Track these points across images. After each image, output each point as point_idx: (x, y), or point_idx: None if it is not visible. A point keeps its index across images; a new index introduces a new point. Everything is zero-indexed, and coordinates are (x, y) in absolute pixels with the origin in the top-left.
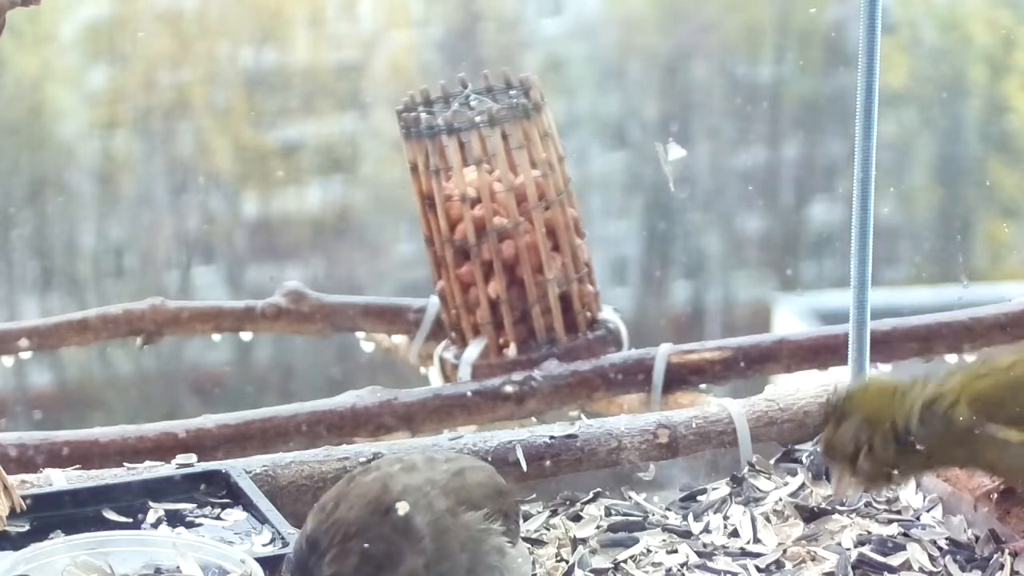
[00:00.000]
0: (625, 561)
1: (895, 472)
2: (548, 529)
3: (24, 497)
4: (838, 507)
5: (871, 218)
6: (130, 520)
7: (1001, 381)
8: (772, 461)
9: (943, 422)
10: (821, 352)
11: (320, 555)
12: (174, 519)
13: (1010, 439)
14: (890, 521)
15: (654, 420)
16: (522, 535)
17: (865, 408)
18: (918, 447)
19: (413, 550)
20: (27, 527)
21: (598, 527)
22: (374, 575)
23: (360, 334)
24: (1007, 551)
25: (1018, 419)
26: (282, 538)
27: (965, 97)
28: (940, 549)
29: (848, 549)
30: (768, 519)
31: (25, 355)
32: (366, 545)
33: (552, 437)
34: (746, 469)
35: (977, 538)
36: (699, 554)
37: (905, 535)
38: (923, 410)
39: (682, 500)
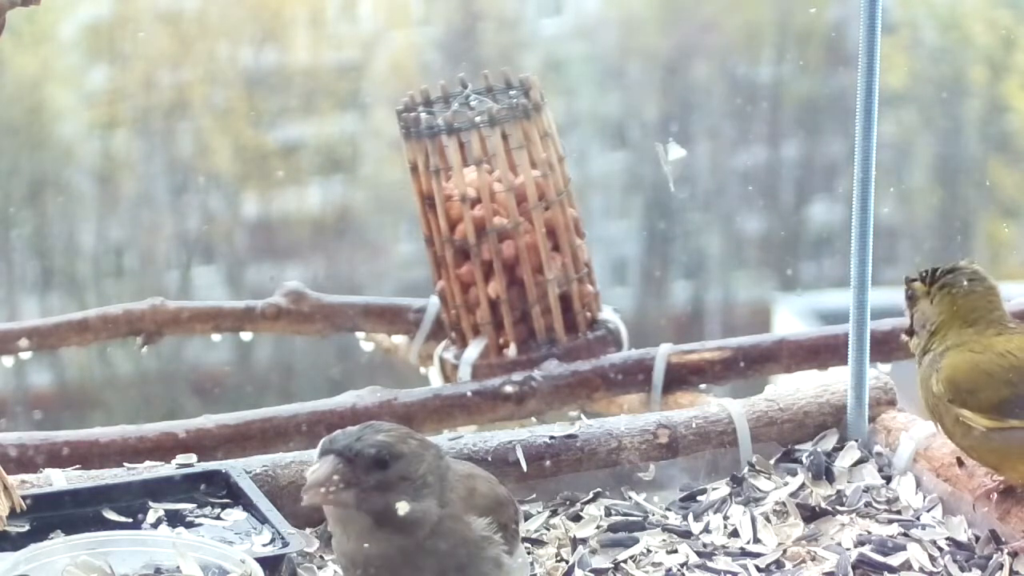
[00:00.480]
0: (625, 561)
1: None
2: (548, 529)
3: (24, 497)
4: (838, 507)
5: (871, 218)
6: (130, 520)
7: (985, 366)
8: (772, 461)
9: (931, 380)
10: (821, 352)
11: (374, 429)
12: (174, 519)
13: (976, 425)
14: (890, 521)
15: (654, 420)
16: (522, 535)
17: (956, 305)
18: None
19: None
20: (27, 527)
21: (598, 527)
22: (406, 468)
23: (360, 334)
24: (1007, 551)
25: (988, 408)
26: (282, 538)
27: (965, 97)
28: (940, 549)
29: (848, 549)
30: (768, 519)
31: (25, 355)
32: (414, 443)
33: (552, 437)
34: (746, 469)
35: (977, 538)
36: (699, 554)
37: (905, 535)
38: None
39: (682, 500)
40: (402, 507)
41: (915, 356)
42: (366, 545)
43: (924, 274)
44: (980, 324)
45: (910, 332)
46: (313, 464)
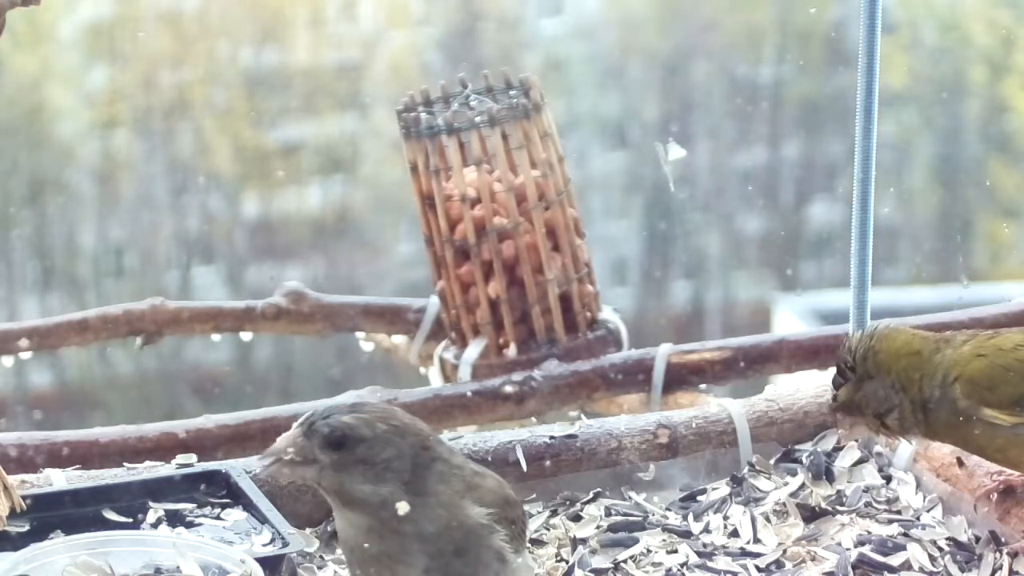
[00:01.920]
0: (625, 561)
1: (908, 430)
2: (548, 529)
3: (24, 497)
4: (838, 507)
5: (871, 218)
6: (130, 520)
7: (998, 363)
8: (772, 461)
9: (946, 399)
10: (821, 352)
11: (350, 409)
12: (174, 519)
13: (1000, 422)
14: (890, 521)
15: (654, 420)
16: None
17: (894, 368)
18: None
19: (417, 467)
20: (27, 527)
21: (598, 527)
22: (367, 452)
23: (360, 334)
24: (1007, 551)
25: (1009, 402)
26: (282, 538)
27: (965, 97)
28: (940, 549)
29: (848, 549)
30: (768, 519)
31: (25, 355)
32: (384, 428)
33: (552, 437)
34: (746, 469)
35: (977, 538)
36: (699, 554)
37: (905, 535)
38: (938, 382)
39: (682, 500)
40: (402, 507)
41: (909, 427)
42: (343, 523)
43: (850, 361)
44: (952, 345)
45: (881, 418)
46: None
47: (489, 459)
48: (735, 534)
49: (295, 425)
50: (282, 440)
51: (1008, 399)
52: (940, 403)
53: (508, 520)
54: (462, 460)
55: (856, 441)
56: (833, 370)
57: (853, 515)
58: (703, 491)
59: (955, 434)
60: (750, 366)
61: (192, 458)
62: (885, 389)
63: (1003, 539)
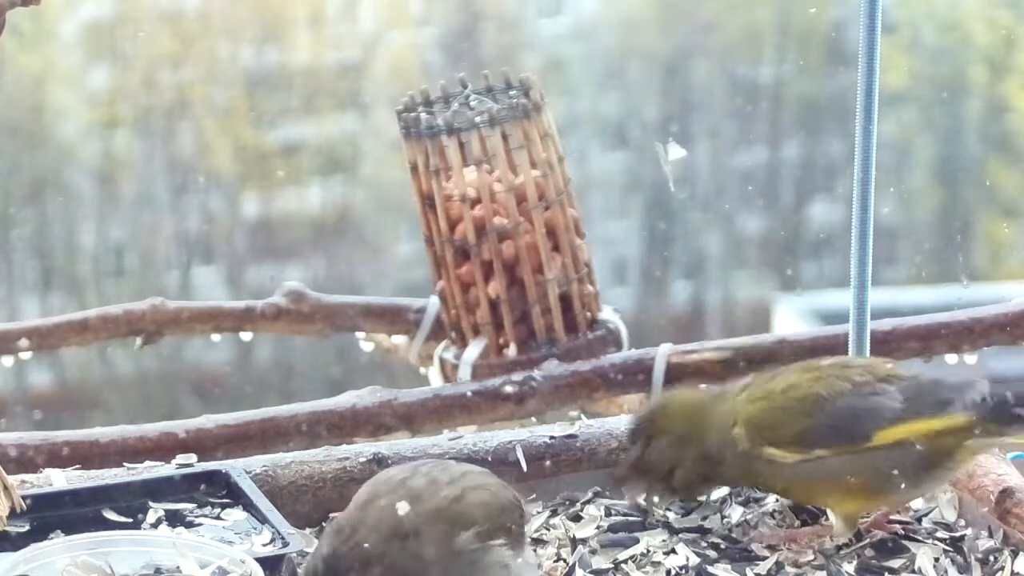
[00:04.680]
0: (625, 561)
1: (709, 481)
2: (548, 529)
3: (24, 497)
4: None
5: (871, 218)
6: (130, 520)
7: (776, 404)
8: None
9: (729, 444)
10: (821, 352)
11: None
12: (174, 519)
13: (784, 459)
14: (890, 521)
15: None
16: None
17: (677, 424)
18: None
19: None
20: (27, 527)
21: (598, 527)
22: None
23: (360, 334)
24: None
25: (791, 440)
26: (282, 538)
27: (965, 97)
28: (941, 550)
29: (848, 550)
30: (768, 519)
31: (25, 355)
32: (383, 571)
33: (552, 437)
34: None
35: (977, 538)
36: (699, 554)
37: (905, 535)
38: (719, 431)
39: (682, 500)
40: (402, 507)
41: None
42: None
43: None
44: (729, 395)
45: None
46: None
47: (489, 459)
48: (735, 534)
49: None
50: None
51: (789, 437)
52: (723, 451)
53: (504, 529)
54: (431, 498)
55: (643, 503)
56: None
57: None
58: None
59: (744, 477)
60: (750, 366)
61: (192, 458)
62: (670, 447)
63: (1000, 538)
